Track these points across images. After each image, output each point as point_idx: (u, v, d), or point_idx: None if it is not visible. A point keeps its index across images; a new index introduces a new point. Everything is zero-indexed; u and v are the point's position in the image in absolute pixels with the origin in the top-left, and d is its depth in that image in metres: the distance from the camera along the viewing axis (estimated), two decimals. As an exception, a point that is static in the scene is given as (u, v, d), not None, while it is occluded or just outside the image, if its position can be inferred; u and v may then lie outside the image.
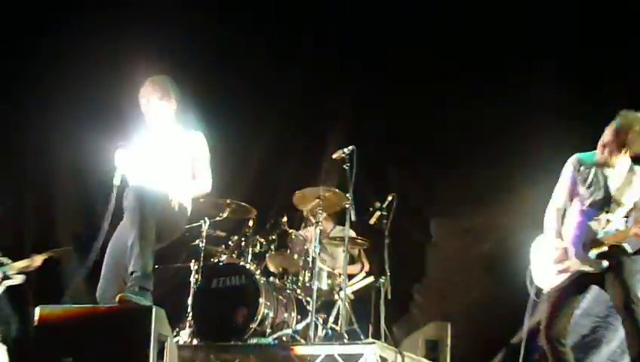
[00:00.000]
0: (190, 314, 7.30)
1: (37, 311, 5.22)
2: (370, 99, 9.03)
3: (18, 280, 8.35)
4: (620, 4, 8.00)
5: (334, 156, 7.30)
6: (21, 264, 8.38)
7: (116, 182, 5.82)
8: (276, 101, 9.35)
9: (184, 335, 7.19)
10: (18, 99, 9.48)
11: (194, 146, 6.14)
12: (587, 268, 5.77)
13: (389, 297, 7.47)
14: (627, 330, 5.67)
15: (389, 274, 7.45)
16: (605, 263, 5.70)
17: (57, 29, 9.36)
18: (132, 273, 5.43)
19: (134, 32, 8.98)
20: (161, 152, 6.07)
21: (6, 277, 8.29)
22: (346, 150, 7.17)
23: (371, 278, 7.84)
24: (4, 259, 8.41)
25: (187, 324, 7.27)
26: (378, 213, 7.55)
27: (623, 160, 5.83)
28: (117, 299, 5.24)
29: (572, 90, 7.87)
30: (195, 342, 7.12)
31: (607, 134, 5.81)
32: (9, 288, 8.34)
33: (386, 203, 7.58)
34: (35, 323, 5.21)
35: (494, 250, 7.40)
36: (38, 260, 8.48)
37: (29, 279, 9.00)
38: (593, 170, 5.90)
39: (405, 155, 8.84)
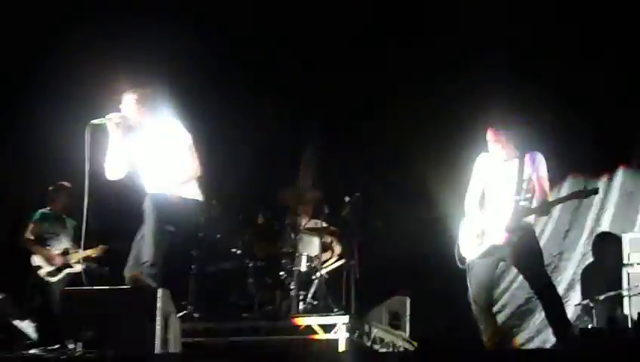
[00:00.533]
0: (191, 294, 7.86)
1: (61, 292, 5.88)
2: (343, 103, 9.43)
3: (77, 268, 8.65)
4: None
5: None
6: (84, 253, 8.51)
7: (94, 121, 6.35)
8: (261, 106, 9.60)
9: (186, 311, 7.71)
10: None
11: (173, 135, 6.38)
12: (498, 242, 6.44)
13: (357, 276, 8.04)
14: (542, 304, 6.51)
15: (357, 256, 8.09)
16: (514, 238, 6.40)
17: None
18: (144, 262, 6.04)
19: (132, 39, 9.16)
20: (147, 149, 6.38)
21: (68, 265, 8.72)
22: None
23: (342, 261, 8.40)
24: (70, 248, 8.76)
25: (189, 302, 7.82)
26: (348, 206, 8.18)
27: (511, 152, 6.57)
28: (127, 280, 5.92)
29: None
30: (195, 316, 7.69)
31: (494, 136, 6.56)
32: (68, 275, 8.68)
33: (354, 197, 8.17)
34: (60, 303, 5.93)
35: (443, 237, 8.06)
36: (100, 251, 8.71)
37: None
38: (495, 163, 6.63)
39: (368, 156, 9.30)
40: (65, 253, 8.79)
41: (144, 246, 6.09)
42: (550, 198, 6.55)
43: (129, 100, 6.46)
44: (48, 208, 9.01)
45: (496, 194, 6.63)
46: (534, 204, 6.45)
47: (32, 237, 8.81)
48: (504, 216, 6.47)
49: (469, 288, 6.60)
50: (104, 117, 6.38)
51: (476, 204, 6.74)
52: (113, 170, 6.50)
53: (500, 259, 6.68)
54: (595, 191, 6.71)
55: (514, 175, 6.53)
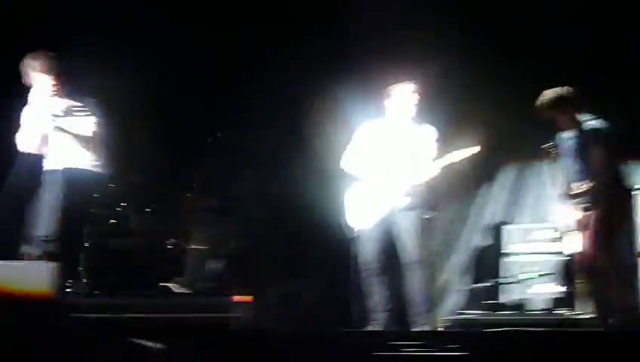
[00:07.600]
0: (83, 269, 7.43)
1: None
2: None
3: None
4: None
5: None
6: None
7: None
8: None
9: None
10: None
11: (84, 111, 6.24)
12: (389, 208, 6.44)
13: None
14: (410, 276, 6.41)
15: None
16: (404, 204, 6.41)
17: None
18: (43, 238, 5.99)
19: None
20: (59, 123, 6.16)
21: None
22: None
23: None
24: None
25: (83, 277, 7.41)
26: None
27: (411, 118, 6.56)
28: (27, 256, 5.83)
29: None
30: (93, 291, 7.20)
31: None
32: None
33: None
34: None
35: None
36: None
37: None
38: (386, 129, 6.59)
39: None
40: None
41: (46, 221, 5.93)
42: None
43: (28, 67, 6.16)
44: None
45: (386, 159, 6.55)
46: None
47: None
48: (394, 182, 6.44)
49: (363, 254, 6.52)
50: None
51: (365, 169, 6.62)
52: (26, 142, 6.22)
53: (391, 223, 6.56)
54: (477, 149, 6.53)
55: (406, 141, 6.50)
